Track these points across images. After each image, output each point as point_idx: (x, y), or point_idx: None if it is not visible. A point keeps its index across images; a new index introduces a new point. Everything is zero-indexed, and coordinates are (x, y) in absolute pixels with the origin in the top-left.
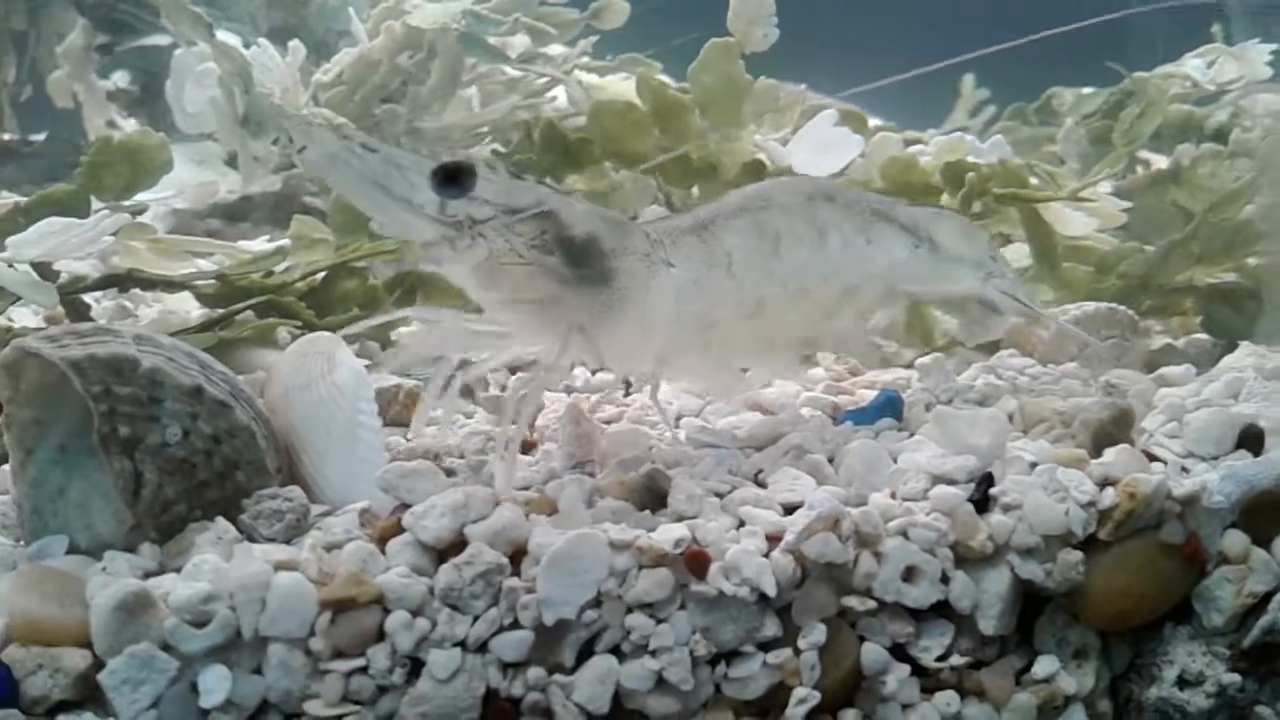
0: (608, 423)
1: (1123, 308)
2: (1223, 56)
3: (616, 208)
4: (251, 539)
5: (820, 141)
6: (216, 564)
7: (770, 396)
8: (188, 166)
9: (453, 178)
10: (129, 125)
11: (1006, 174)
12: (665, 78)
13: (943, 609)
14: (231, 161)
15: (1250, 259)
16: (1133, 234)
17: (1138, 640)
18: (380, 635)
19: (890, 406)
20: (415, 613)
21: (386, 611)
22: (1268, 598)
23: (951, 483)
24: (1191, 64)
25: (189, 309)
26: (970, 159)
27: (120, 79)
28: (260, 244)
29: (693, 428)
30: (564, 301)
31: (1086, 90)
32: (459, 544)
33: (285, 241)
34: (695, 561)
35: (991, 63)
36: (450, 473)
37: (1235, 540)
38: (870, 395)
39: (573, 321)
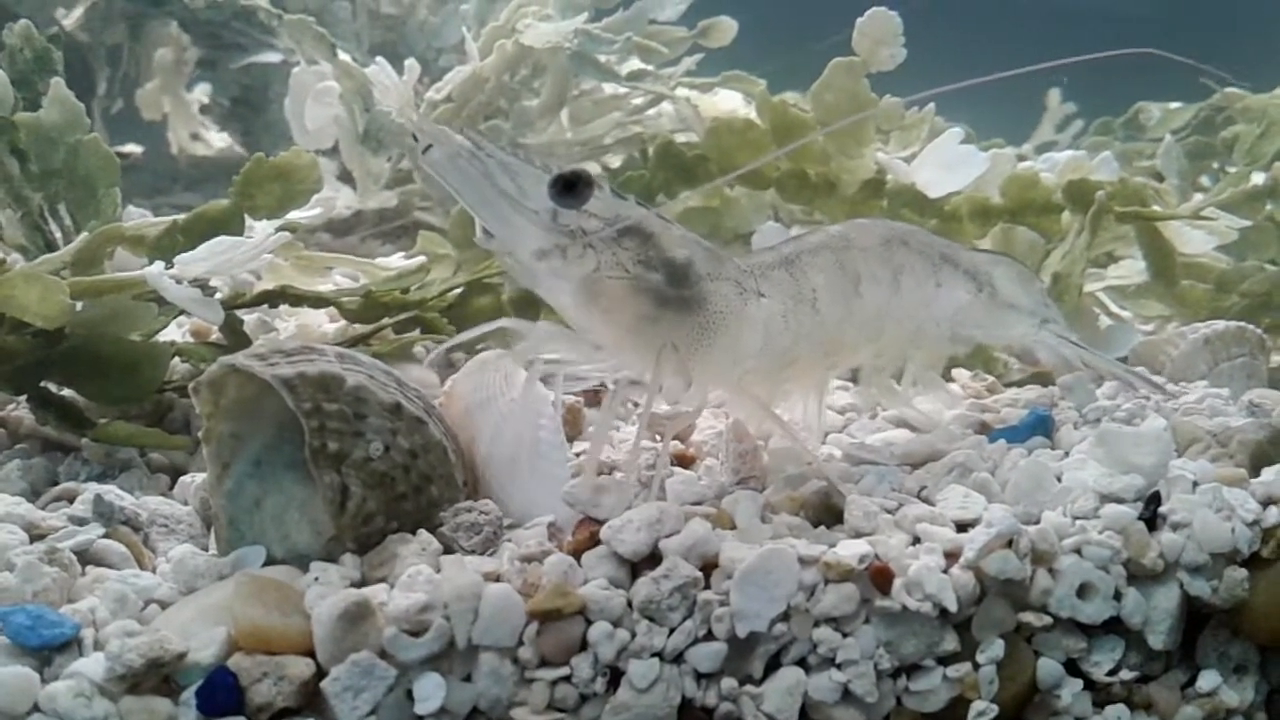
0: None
1: (1251, 326)
2: None
3: (731, 223)
4: (450, 550)
5: (945, 159)
6: (430, 575)
7: (914, 415)
8: None
9: (571, 187)
10: (217, 139)
11: (1128, 192)
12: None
13: (1113, 624)
14: (343, 177)
15: None
16: (1229, 251)
17: None
18: (583, 645)
19: (1041, 425)
20: (616, 623)
21: (589, 622)
22: None
23: (1120, 501)
24: None
25: (320, 323)
26: (1093, 178)
27: (204, 91)
28: (398, 260)
29: (849, 444)
30: (661, 321)
31: (1174, 105)
32: (653, 557)
33: (424, 259)
34: (880, 577)
35: (1072, 74)
36: None
37: None
38: (1014, 413)
39: (669, 341)
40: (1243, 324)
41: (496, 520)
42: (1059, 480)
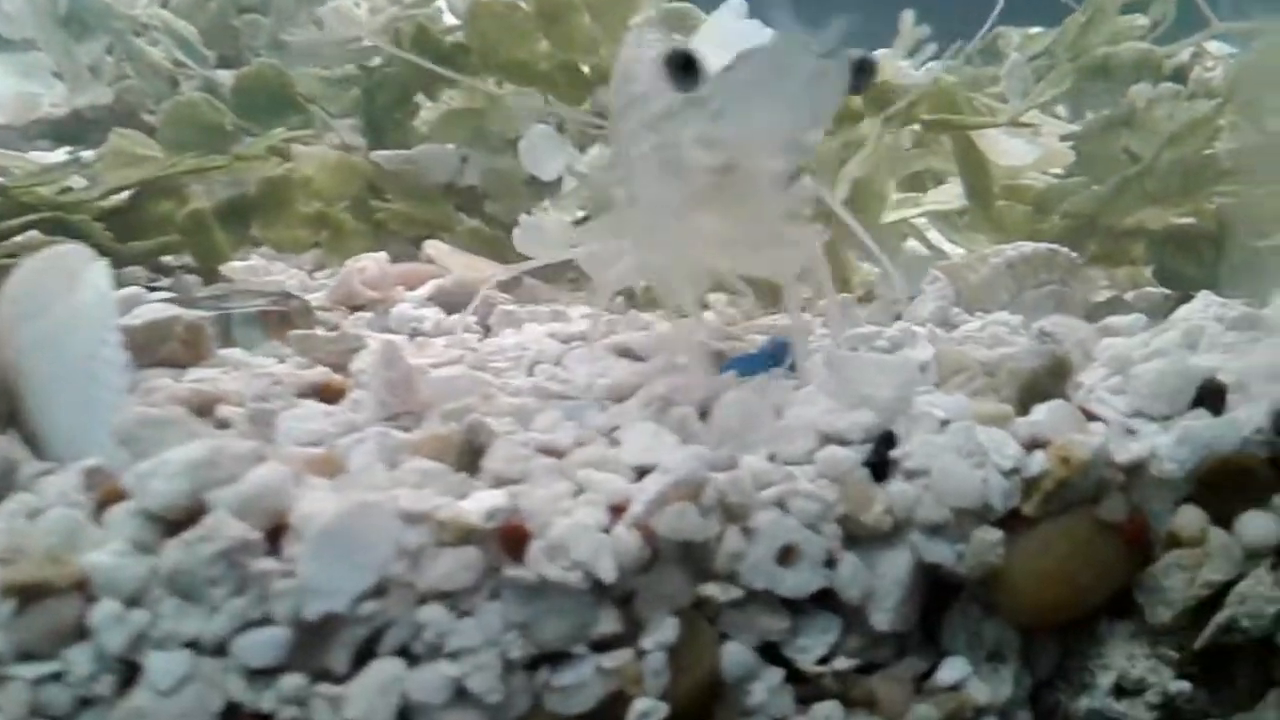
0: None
1: (1065, 250)
2: None
3: (496, 126)
4: None
5: (725, 39)
6: None
7: (641, 340)
8: (8, 78)
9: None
10: None
11: (939, 97)
12: None
13: (827, 599)
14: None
15: (1211, 200)
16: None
17: (1067, 639)
18: (82, 632)
19: (782, 353)
20: (131, 602)
21: (91, 600)
22: (1226, 589)
23: (845, 443)
24: None
25: None
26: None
27: None
28: (58, 156)
29: (544, 376)
30: None
31: (1034, 30)
32: (199, 512)
33: (88, 154)
34: (512, 538)
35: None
36: (224, 425)
37: (1189, 518)
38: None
39: None
40: (1054, 247)
41: (3, 462)
42: (782, 418)
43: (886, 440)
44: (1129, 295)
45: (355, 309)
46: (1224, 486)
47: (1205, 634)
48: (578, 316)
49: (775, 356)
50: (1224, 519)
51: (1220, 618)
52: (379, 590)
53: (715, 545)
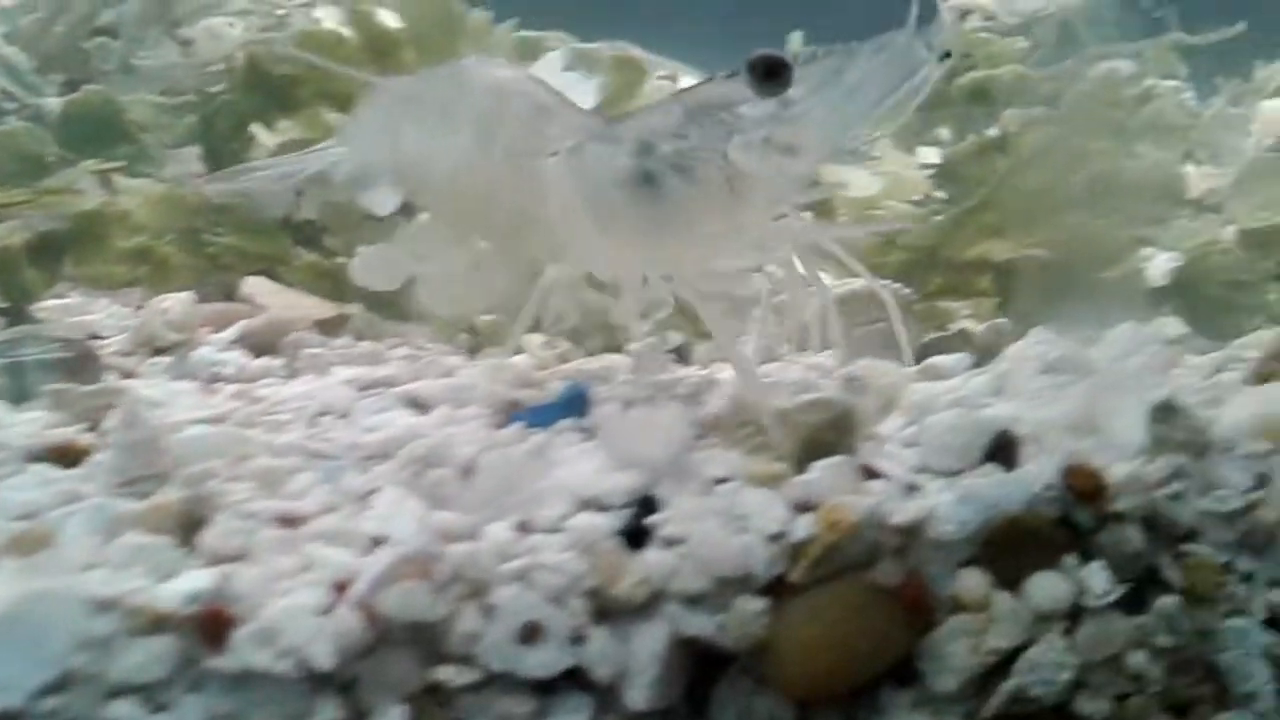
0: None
1: (895, 285)
2: None
3: None
4: None
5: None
6: None
7: (433, 390)
8: None
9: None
10: None
11: None
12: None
13: (576, 677)
14: None
15: (1059, 231)
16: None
17: (846, 710)
18: None
19: (576, 404)
20: None
21: None
22: (1014, 655)
23: (604, 508)
24: None
25: None
26: None
27: None
28: None
29: (322, 430)
30: None
31: None
32: None
33: None
34: (211, 624)
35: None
36: None
37: (971, 581)
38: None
39: None
40: (885, 283)
41: None
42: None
43: (646, 505)
44: (982, 328)
45: (159, 351)
46: (1011, 548)
47: (992, 703)
48: (398, 358)
49: (571, 406)
50: (1010, 582)
51: (1009, 686)
52: (61, 684)
53: (450, 625)
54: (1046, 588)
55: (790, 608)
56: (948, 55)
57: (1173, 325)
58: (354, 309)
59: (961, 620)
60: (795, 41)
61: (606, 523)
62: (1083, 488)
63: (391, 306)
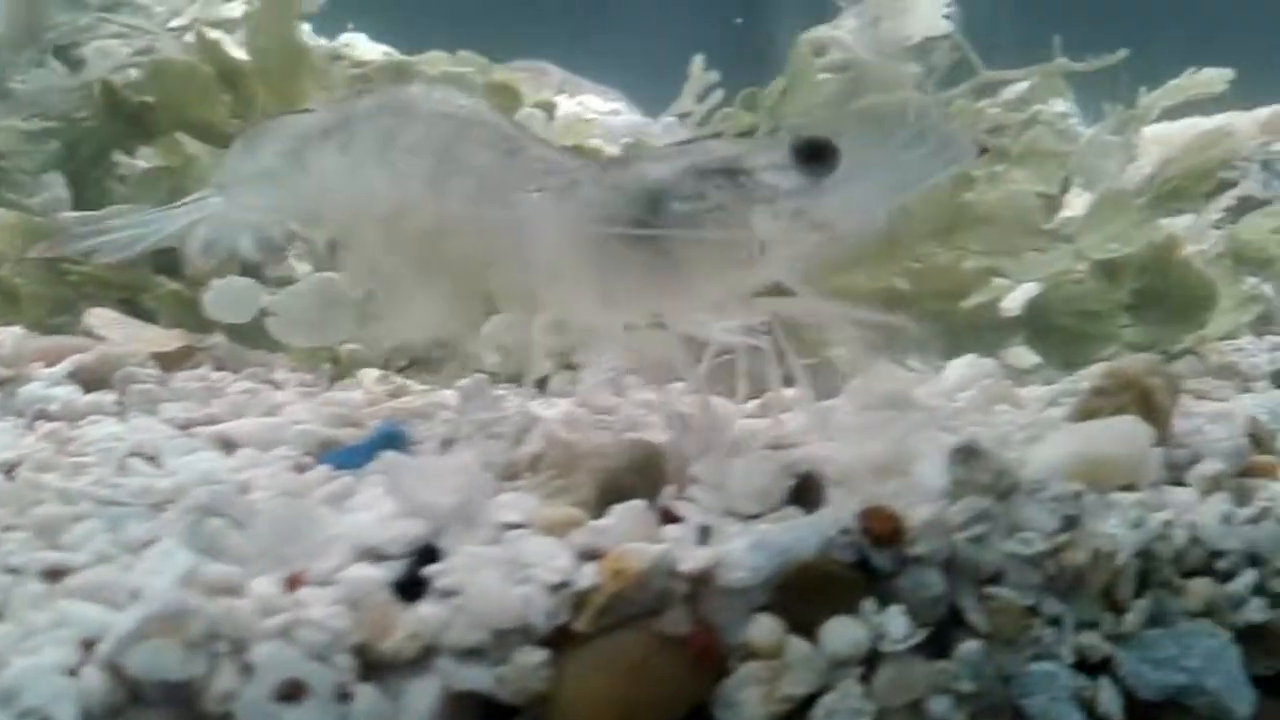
0: None
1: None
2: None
3: (192, 186)
4: None
5: None
6: None
7: (247, 429)
8: None
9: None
10: None
11: None
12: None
13: None
14: None
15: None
16: None
17: None
18: None
19: (390, 444)
20: None
21: None
22: (810, 701)
23: (382, 558)
24: (847, 25)
25: None
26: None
27: None
28: None
29: (125, 474)
30: None
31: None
32: None
33: None
34: None
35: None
36: None
37: (764, 628)
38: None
39: None
40: None
41: None
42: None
43: (426, 555)
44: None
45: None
46: (805, 593)
47: None
48: (235, 393)
49: (383, 446)
50: (804, 628)
51: None
52: None
53: (206, 683)
54: (842, 633)
55: (574, 659)
56: (985, 151)
57: (1027, 355)
58: (217, 338)
59: (753, 668)
60: (697, 65)
61: (381, 574)
62: (880, 531)
63: (259, 335)
